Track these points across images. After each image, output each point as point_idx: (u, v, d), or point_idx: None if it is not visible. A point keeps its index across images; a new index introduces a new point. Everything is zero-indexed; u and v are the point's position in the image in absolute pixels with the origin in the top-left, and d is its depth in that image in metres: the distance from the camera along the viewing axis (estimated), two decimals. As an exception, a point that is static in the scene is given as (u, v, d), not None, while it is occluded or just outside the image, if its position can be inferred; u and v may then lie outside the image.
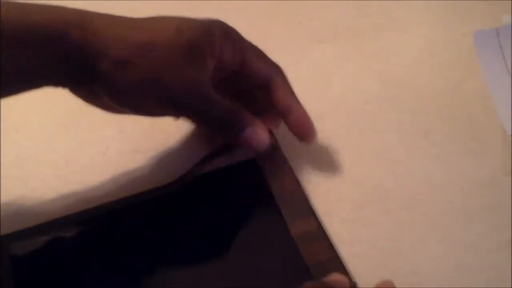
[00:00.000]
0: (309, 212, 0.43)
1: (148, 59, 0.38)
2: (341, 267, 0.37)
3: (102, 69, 0.38)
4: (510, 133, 0.47)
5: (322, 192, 0.44)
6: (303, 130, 0.43)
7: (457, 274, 0.40)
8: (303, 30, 0.58)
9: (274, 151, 0.44)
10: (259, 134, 0.42)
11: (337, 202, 0.44)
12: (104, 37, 0.38)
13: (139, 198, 0.44)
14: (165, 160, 0.47)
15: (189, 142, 0.49)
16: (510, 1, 0.57)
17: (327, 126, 0.48)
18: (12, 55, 0.37)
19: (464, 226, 0.42)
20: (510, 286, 0.39)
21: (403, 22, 0.59)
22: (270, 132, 0.44)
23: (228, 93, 0.43)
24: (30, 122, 0.51)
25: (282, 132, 0.46)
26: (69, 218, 0.43)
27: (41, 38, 0.37)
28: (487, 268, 0.40)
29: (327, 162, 0.46)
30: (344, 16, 0.60)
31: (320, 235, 0.41)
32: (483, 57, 0.53)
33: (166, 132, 0.50)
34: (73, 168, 0.47)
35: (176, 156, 0.48)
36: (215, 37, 0.40)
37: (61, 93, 0.53)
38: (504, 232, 0.42)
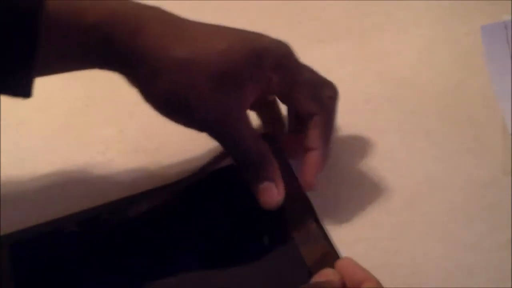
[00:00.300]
0: (310, 212, 0.43)
1: (181, 75, 0.38)
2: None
3: (141, 73, 0.38)
4: (510, 131, 0.47)
5: (322, 192, 0.44)
6: (307, 174, 0.42)
7: (457, 274, 0.40)
8: (303, 30, 0.58)
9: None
10: (274, 194, 0.40)
11: (337, 202, 0.44)
12: (149, 47, 0.38)
13: (139, 198, 0.44)
14: (165, 160, 0.47)
15: (189, 142, 0.49)
16: (510, 1, 0.57)
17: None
18: (64, 45, 0.38)
19: (464, 226, 0.42)
20: (510, 286, 0.39)
21: (403, 22, 0.59)
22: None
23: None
24: (30, 122, 0.51)
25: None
26: (69, 218, 0.43)
27: (94, 38, 0.37)
28: (487, 268, 0.40)
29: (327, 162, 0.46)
30: (344, 16, 0.60)
31: (320, 235, 0.41)
32: (489, 51, 0.52)
33: (166, 132, 0.50)
34: (73, 168, 0.47)
35: (176, 156, 0.48)
36: (264, 64, 0.39)
37: (61, 93, 0.53)
38: (504, 232, 0.42)
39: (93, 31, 0.37)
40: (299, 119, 0.43)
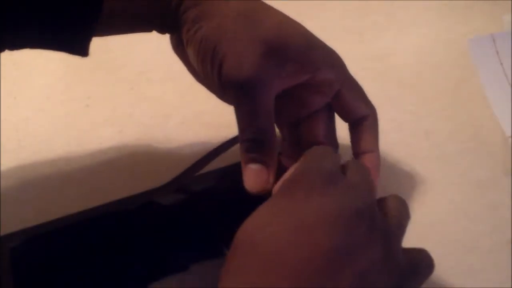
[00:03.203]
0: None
1: (231, 25, 0.37)
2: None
3: (190, 16, 0.37)
4: (509, 135, 0.47)
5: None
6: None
7: (457, 274, 0.40)
8: (303, 30, 0.58)
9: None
10: (263, 178, 0.37)
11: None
12: None
13: (139, 198, 0.44)
14: (165, 160, 0.47)
15: (189, 142, 0.49)
16: (510, 1, 0.57)
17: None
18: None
19: (464, 226, 0.42)
20: (510, 286, 0.39)
21: (403, 22, 0.59)
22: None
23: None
24: (30, 122, 0.51)
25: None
26: (69, 218, 0.43)
27: None
28: (487, 268, 0.40)
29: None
30: (344, 16, 0.60)
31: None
32: (479, 63, 0.53)
33: (166, 132, 0.50)
34: (73, 168, 0.47)
35: (176, 156, 0.48)
36: (313, 53, 0.38)
37: (61, 93, 0.53)
38: (504, 232, 0.42)
39: None
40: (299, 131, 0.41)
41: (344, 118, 0.41)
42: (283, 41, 0.37)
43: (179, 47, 0.40)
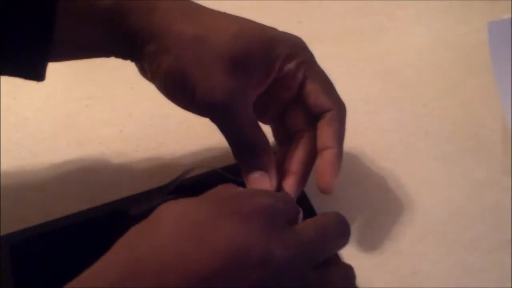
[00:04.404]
0: (309, 211, 0.43)
1: (189, 53, 0.37)
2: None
3: (149, 51, 0.38)
4: (510, 127, 0.47)
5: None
6: (325, 176, 0.38)
7: (457, 274, 0.40)
8: (303, 30, 0.58)
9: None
10: (265, 185, 0.38)
11: (337, 201, 0.44)
12: (160, 23, 0.37)
13: (139, 198, 0.44)
14: (165, 160, 0.47)
15: (189, 142, 0.49)
16: (510, 1, 0.57)
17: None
18: (75, 30, 0.38)
19: (464, 226, 0.42)
20: (510, 286, 0.39)
21: (403, 22, 0.59)
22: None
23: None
24: (30, 122, 0.51)
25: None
26: (69, 218, 0.43)
27: (108, 20, 0.37)
28: (487, 268, 0.40)
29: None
30: (344, 16, 0.60)
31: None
32: (494, 48, 0.52)
33: (166, 132, 0.50)
34: (73, 168, 0.47)
35: (176, 156, 0.48)
36: (275, 52, 0.38)
37: (61, 93, 0.53)
38: (504, 232, 0.42)
39: (109, 12, 0.37)
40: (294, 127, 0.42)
41: (311, 111, 0.40)
42: (242, 51, 0.37)
43: (145, 73, 0.41)
